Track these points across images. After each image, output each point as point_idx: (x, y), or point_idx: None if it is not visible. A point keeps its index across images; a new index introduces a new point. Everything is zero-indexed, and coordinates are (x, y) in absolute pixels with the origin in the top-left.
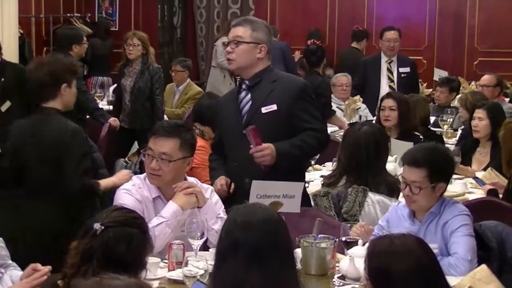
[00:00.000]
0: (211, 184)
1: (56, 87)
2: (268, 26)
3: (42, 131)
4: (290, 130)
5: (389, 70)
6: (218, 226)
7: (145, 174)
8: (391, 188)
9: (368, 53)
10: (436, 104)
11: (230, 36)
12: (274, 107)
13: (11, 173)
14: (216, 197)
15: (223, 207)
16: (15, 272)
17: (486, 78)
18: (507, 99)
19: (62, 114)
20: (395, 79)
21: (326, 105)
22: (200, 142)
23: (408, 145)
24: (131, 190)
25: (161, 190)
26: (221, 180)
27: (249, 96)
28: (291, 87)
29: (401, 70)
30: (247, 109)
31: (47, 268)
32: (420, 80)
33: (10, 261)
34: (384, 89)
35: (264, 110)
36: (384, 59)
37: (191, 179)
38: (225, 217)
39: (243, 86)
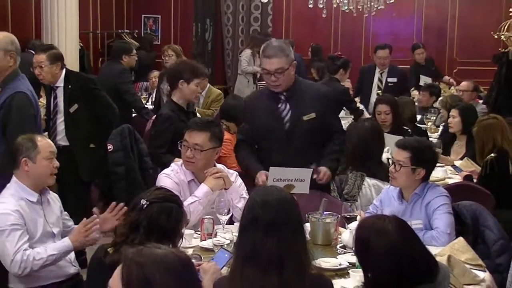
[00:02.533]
0: (246, 171)
1: (175, 81)
2: (290, 42)
3: None
4: (323, 132)
5: (380, 80)
6: (241, 204)
7: (181, 161)
8: (384, 174)
9: (365, 63)
10: (417, 106)
11: (272, 67)
12: (313, 115)
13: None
14: (240, 181)
15: (245, 188)
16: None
17: (464, 84)
18: (481, 101)
19: (175, 105)
20: (383, 87)
21: (355, 108)
22: (226, 135)
23: (399, 138)
24: (170, 175)
25: (194, 175)
26: (262, 176)
27: (288, 106)
28: (321, 96)
29: (389, 80)
30: (288, 117)
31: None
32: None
33: (73, 225)
34: (374, 94)
35: (305, 118)
36: (377, 69)
37: (219, 166)
38: (247, 197)
39: (282, 98)
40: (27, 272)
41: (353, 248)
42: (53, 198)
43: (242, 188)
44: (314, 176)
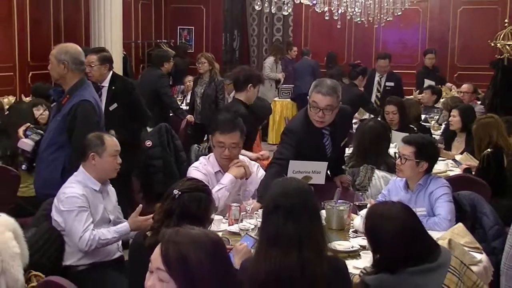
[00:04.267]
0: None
1: (244, 85)
2: (307, 50)
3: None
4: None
5: (379, 83)
6: None
7: (209, 154)
8: (390, 166)
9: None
10: (422, 105)
11: (323, 104)
12: (346, 138)
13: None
14: (261, 172)
15: None
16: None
17: (465, 87)
18: (479, 102)
19: (242, 104)
20: (381, 91)
21: (373, 109)
22: None
23: (405, 135)
24: (198, 167)
25: (220, 166)
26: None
27: (329, 139)
28: (348, 118)
29: (387, 84)
30: (330, 148)
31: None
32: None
33: (124, 220)
34: (373, 96)
35: (341, 144)
36: (377, 74)
37: (241, 157)
38: None
39: (326, 133)
40: (92, 249)
41: (363, 232)
42: (111, 190)
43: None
44: (343, 183)
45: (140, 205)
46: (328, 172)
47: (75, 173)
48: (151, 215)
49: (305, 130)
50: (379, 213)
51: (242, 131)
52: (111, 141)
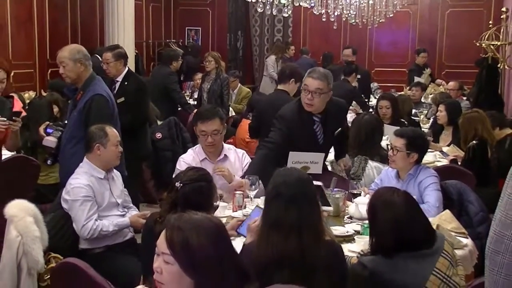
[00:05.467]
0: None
1: (288, 78)
2: (306, 49)
3: (275, 101)
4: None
5: None
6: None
7: (196, 145)
8: (383, 158)
9: (368, 67)
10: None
11: (313, 87)
12: (340, 129)
13: (258, 129)
14: (248, 159)
15: None
16: (134, 212)
17: (451, 84)
18: (464, 98)
19: (287, 94)
20: None
21: (363, 102)
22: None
23: (396, 129)
24: (185, 158)
25: (206, 154)
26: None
27: (321, 127)
28: (344, 111)
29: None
30: (322, 136)
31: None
32: (404, 85)
33: (131, 205)
34: None
35: (335, 134)
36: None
37: (227, 146)
38: None
39: (316, 120)
40: (93, 237)
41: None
42: (116, 174)
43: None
44: (345, 166)
45: (148, 212)
46: (330, 159)
47: (80, 164)
48: (144, 217)
49: (296, 116)
50: (380, 197)
51: (222, 119)
52: (113, 131)
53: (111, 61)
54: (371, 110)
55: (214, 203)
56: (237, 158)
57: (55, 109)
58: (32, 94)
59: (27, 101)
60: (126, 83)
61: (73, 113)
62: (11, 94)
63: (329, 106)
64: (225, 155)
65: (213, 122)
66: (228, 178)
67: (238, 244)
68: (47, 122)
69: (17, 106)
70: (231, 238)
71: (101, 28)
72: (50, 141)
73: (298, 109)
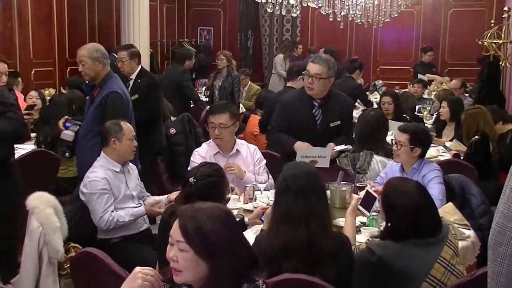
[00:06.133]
0: (281, 144)
1: (296, 75)
2: (334, 63)
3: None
4: (340, 132)
5: None
6: (263, 174)
7: (210, 140)
8: (388, 152)
9: (374, 65)
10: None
11: (313, 71)
12: (338, 122)
13: (267, 124)
14: (259, 154)
15: (265, 161)
16: (149, 199)
17: (453, 83)
18: (467, 95)
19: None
20: None
21: (367, 100)
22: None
23: (400, 124)
24: (199, 151)
25: (219, 148)
26: (302, 145)
27: (320, 112)
28: (347, 106)
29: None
30: (319, 122)
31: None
32: (408, 82)
33: (147, 193)
34: None
35: (332, 125)
36: None
37: (240, 141)
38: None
39: (315, 104)
40: (110, 228)
41: (379, 202)
42: (132, 168)
43: (261, 159)
44: (332, 146)
45: (160, 197)
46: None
47: (97, 158)
48: (159, 206)
49: (297, 100)
50: (394, 186)
51: (233, 115)
52: (127, 126)
53: (126, 60)
54: (375, 106)
55: (226, 196)
56: (249, 153)
57: (75, 105)
58: (52, 91)
59: (47, 98)
60: (139, 80)
61: (90, 109)
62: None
63: (332, 95)
64: (237, 150)
65: (221, 115)
66: (239, 175)
67: (248, 235)
68: (66, 117)
69: (20, 99)
70: (255, 226)
71: (118, 27)
72: (68, 134)
73: (300, 94)
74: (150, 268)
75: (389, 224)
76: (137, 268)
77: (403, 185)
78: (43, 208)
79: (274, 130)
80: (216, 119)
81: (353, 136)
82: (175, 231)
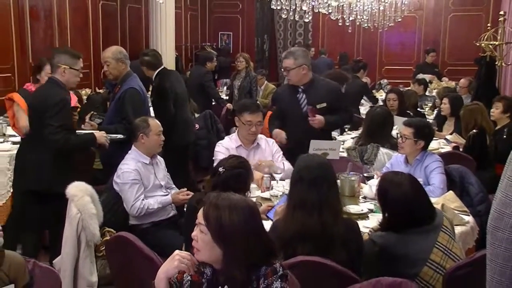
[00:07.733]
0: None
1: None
2: (305, 51)
3: None
4: (331, 112)
5: None
6: (283, 162)
7: (232, 134)
8: (393, 145)
9: (379, 66)
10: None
11: (283, 65)
12: (324, 104)
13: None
14: (276, 146)
15: (281, 152)
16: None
17: (462, 82)
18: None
19: None
20: None
21: (373, 97)
22: None
23: (405, 119)
24: (222, 143)
25: (241, 141)
26: (280, 135)
27: (304, 96)
28: (331, 89)
29: None
30: (304, 104)
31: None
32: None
33: (173, 185)
34: None
35: (318, 106)
36: None
37: (259, 135)
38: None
39: (299, 90)
40: (141, 215)
41: (376, 195)
42: (160, 160)
43: (278, 151)
44: (310, 118)
45: (185, 189)
46: (346, 147)
47: (129, 151)
48: (188, 194)
49: (286, 89)
50: (389, 179)
51: (263, 113)
52: (154, 122)
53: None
54: (381, 103)
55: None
56: (267, 146)
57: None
58: (88, 91)
59: (84, 97)
60: (154, 83)
61: (111, 103)
62: None
63: (315, 80)
64: (257, 143)
65: (258, 114)
66: (273, 170)
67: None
68: (91, 112)
69: (73, 101)
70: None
71: (146, 33)
72: (88, 125)
73: (288, 85)
74: (187, 252)
75: (386, 215)
76: (176, 251)
77: (396, 178)
78: (81, 196)
79: (274, 122)
80: (254, 118)
81: (347, 114)
82: (200, 214)
